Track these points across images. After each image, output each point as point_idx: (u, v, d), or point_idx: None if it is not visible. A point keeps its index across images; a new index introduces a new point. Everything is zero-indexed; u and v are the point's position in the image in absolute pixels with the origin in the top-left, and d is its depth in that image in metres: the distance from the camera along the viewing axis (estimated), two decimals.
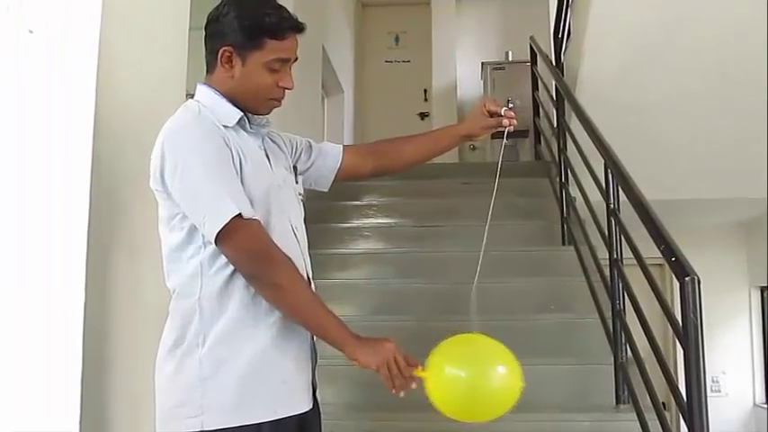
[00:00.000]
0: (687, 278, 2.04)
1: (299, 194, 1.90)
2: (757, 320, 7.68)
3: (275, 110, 1.86)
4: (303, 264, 1.78)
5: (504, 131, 2.03)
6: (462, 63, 8.50)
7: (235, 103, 1.77)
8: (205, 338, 1.66)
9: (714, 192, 5.84)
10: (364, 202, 5.12)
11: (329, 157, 2.05)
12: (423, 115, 8.51)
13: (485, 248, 4.29)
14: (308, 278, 1.79)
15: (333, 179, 2.07)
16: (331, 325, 1.66)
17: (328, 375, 3.34)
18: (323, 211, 5.00)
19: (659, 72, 4.50)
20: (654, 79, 4.56)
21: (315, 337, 1.79)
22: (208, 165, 1.64)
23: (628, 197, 2.74)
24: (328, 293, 3.95)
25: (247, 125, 1.78)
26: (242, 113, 1.76)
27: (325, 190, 2.10)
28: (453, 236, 4.47)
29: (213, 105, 1.76)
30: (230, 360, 1.65)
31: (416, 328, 3.54)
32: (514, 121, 2.02)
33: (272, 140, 1.91)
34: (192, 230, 1.67)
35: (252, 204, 1.66)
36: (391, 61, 8.76)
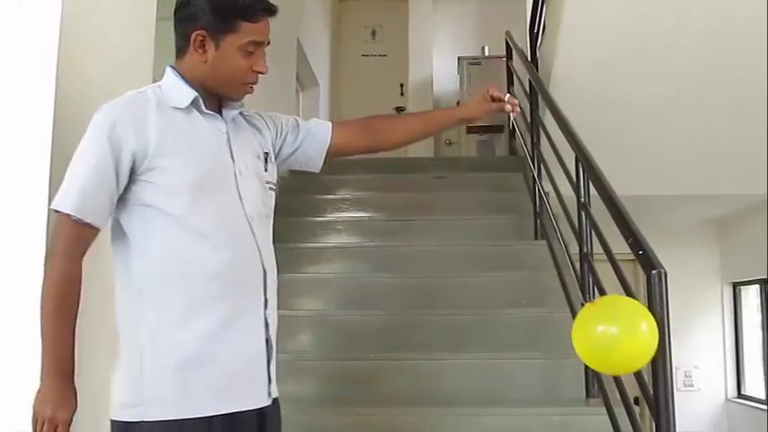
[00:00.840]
0: (654, 271, 2.04)
1: (268, 183, 1.85)
2: (729, 316, 7.73)
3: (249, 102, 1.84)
4: (258, 257, 1.74)
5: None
6: (439, 58, 8.49)
7: (206, 88, 1.74)
8: (144, 326, 1.63)
9: (687, 188, 5.88)
10: (338, 196, 5.10)
11: (317, 139, 2.00)
12: (399, 109, 8.47)
13: (458, 242, 4.30)
14: (264, 272, 1.74)
15: (323, 161, 2.03)
16: (50, 352, 1.57)
17: (301, 370, 3.34)
18: (296, 204, 4.98)
19: (632, 68, 4.51)
20: (626, 75, 4.56)
21: (270, 329, 1.75)
22: (92, 154, 1.63)
23: (597, 190, 2.73)
24: (299, 288, 4.01)
25: (202, 106, 1.74)
26: (195, 94, 1.72)
27: (317, 171, 2.07)
28: (426, 230, 4.47)
29: (170, 87, 1.74)
30: (171, 350, 1.62)
31: (386, 322, 3.54)
32: (517, 108, 2.05)
33: (249, 123, 1.87)
34: (125, 213, 1.67)
35: (179, 189, 1.64)
36: (368, 55, 8.73)
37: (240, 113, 1.85)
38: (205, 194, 1.67)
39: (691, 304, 7.23)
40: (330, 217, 4.86)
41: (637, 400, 2.64)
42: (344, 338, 3.60)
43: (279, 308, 3.86)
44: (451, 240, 4.35)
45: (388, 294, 3.86)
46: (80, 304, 1.62)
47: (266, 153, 1.87)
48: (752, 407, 7.18)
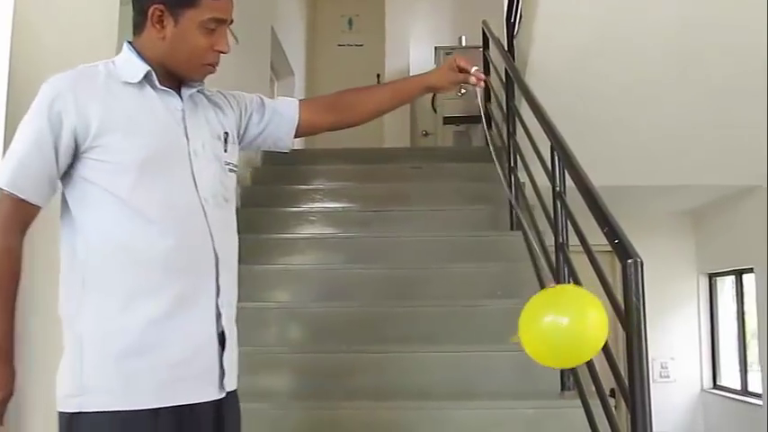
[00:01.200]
0: (630, 260, 1.99)
1: (228, 164, 1.77)
2: (705, 307, 7.74)
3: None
4: (210, 242, 1.66)
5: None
6: (416, 47, 8.40)
7: (166, 67, 1.67)
8: (86, 311, 1.57)
9: (662, 179, 5.86)
10: (311, 186, 5.03)
11: (285, 118, 1.94)
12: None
13: (433, 233, 4.25)
14: (217, 257, 1.67)
15: (291, 140, 1.97)
16: None
17: (273, 363, 3.28)
18: (269, 194, 4.91)
19: (608, 57, 4.46)
20: (603, 64, 4.52)
21: (223, 319, 1.68)
22: (32, 129, 1.57)
23: (573, 179, 2.68)
24: (273, 279, 3.94)
25: (156, 81, 1.66)
26: (148, 69, 1.65)
27: (286, 151, 2.03)
28: (402, 221, 4.42)
29: (123, 63, 1.67)
30: (112, 338, 1.56)
31: (359, 314, 3.48)
32: (482, 83, 1.95)
33: (210, 101, 1.79)
34: (71, 191, 1.61)
35: (124, 168, 1.57)
36: (344, 45, 8.65)
37: (201, 92, 1.77)
38: (153, 174, 1.60)
39: (667, 295, 7.23)
40: (304, 207, 4.79)
41: (612, 393, 2.60)
42: (318, 331, 3.54)
43: (251, 299, 3.80)
44: (426, 231, 4.29)
45: (361, 286, 3.80)
46: (20, 281, 1.58)
47: (226, 133, 1.80)
48: (727, 397, 7.21)
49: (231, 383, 1.72)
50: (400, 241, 4.15)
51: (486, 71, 5.81)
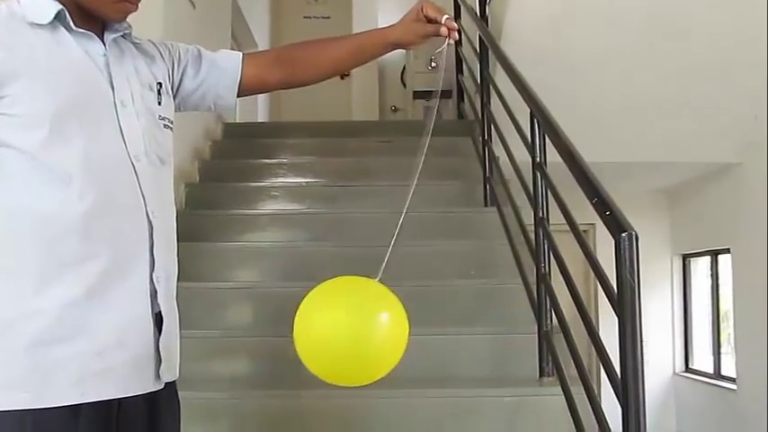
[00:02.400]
0: (624, 234, 1.81)
1: (162, 119, 1.54)
2: (678, 288, 7.65)
3: None
4: (142, 206, 1.42)
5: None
6: (384, 20, 8.15)
7: (80, 6, 1.42)
8: None
9: (637, 155, 5.70)
10: (275, 161, 4.81)
11: (226, 72, 1.68)
12: (342, 74, 8.21)
13: (402, 209, 4.03)
14: (150, 225, 1.43)
15: (234, 98, 1.71)
16: None
17: (230, 348, 3.07)
18: (229, 168, 4.70)
19: (587, 26, 4.31)
20: (579, 33, 4.36)
21: (160, 296, 1.45)
22: None
23: (556, 146, 2.47)
24: (233, 258, 3.70)
25: (70, 23, 1.41)
26: (60, 7, 1.39)
27: (230, 110, 1.78)
28: (368, 196, 4.21)
29: (30, 1, 1.41)
30: (23, 321, 1.32)
31: None
32: (455, 34, 1.65)
33: (139, 50, 1.55)
34: None
35: (36, 121, 1.33)
36: (310, 17, 8.39)
37: (127, 38, 1.52)
38: (71, 127, 1.35)
39: (641, 276, 7.09)
40: (266, 182, 4.56)
41: None
42: (279, 313, 3.26)
43: (209, 279, 3.54)
44: (395, 207, 4.07)
45: (326, 264, 3.57)
46: None
47: (159, 83, 1.56)
48: (700, 381, 7.13)
49: (170, 373, 1.49)
50: (367, 217, 3.94)
51: (459, 42, 5.60)
